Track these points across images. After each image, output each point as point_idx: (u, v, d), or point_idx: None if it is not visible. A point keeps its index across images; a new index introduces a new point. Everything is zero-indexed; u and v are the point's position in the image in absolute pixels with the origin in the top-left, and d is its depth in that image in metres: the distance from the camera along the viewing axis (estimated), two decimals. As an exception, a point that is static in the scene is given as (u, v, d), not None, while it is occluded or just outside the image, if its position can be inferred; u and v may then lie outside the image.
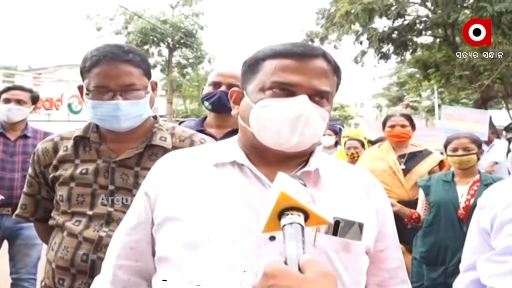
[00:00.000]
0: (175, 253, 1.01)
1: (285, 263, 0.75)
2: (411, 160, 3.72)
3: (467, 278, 1.47)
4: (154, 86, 1.68)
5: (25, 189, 1.79)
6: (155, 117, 1.71)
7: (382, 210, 1.15)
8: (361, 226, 1.03)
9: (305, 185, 0.89)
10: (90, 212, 1.54)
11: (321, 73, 1.04)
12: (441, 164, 3.71)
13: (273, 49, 1.07)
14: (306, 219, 0.81)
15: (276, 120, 1.02)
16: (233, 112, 1.15)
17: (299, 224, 0.79)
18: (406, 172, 3.66)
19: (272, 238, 0.95)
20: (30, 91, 3.57)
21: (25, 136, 3.46)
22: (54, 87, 11.22)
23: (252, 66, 1.10)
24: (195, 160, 1.12)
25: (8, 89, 3.49)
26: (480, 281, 1.39)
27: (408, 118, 3.89)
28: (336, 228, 1.01)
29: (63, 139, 1.69)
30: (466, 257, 1.51)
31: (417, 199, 3.41)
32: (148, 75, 1.62)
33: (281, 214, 0.81)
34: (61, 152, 1.65)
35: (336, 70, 1.09)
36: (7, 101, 3.38)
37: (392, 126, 3.79)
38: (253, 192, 1.02)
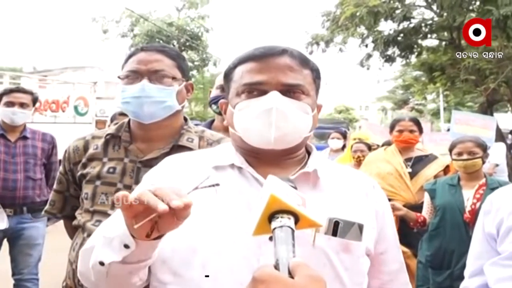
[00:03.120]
0: (175, 255, 1.02)
1: (276, 267, 0.75)
2: (417, 163, 3.70)
3: (473, 284, 1.47)
4: (189, 88, 1.71)
5: (55, 186, 1.82)
6: (185, 119, 1.74)
7: (381, 212, 1.16)
8: (361, 226, 1.04)
9: (295, 188, 0.89)
10: (111, 212, 1.53)
11: (285, 68, 1.09)
12: (446, 169, 3.70)
13: (239, 56, 1.15)
14: (296, 222, 0.81)
15: (252, 119, 1.07)
16: (225, 122, 1.19)
17: (290, 227, 0.79)
18: (412, 175, 3.64)
19: (272, 239, 0.97)
20: (31, 93, 3.61)
21: (24, 137, 3.49)
22: (60, 89, 11.24)
23: (227, 76, 1.18)
24: (195, 162, 1.15)
25: (10, 92, 3.48)
26: (486, 286, 1.39)
27: (416, 122, 3.86)
28: (336, 229, 1.02)
29: (95, 138, 1.72)
30: (471, 263, 1.50)
31: (423, 202, 3.40)
32: (182, 70, 1.66)
33: (271, 217, 0.81)
34: (91, 150, 1.67)
35: (304, 63, 1.13)
36: (11, 104, 3.39)
37: (400, 131, 3.76)
38: (252, 194, 1.04)
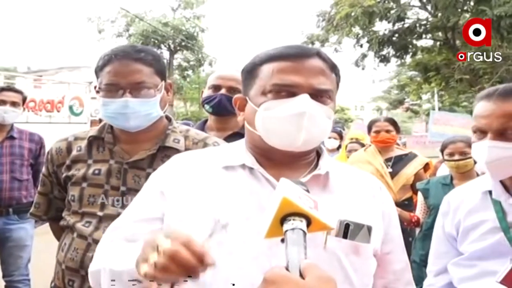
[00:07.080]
0: None
1: (287, 268, 0.75)
2: (397, 163, 3.76)
3: (439, 282, 1.52)
4: (168, 87, 1.68)
5: (39, 188, 1.80)
6: (169, 119, 1.71)
7: (388, 212, 1.17)
8: (369, 229, 1.04)
9: (307, 191, 0.89)
10: (100, 213, 1.54)
11: (318, 71, 1.06)
12: (426, 167, 3.78)
13: (268, 53, 1.10)
14: (308, 224, 0.81)
15: (280, 120, 1.04)
16: (239, 118, 1.17)
17: (301, 229, 0.79)
18: (393, 175, 3.69)
19: (283, 240, 0.97)
20: (21, 92, 3.56)
21: (11, 137, 3.44)
22: (56, 89, 11.17)
23: (250, 72, 1.13)
24: (205, 162, 1.14)
25: (1, 90, 3.42)
26: (452, 284, 1.44)
27: (392, 122, 3.92)
28: (346, 231, 1.02)
29: (77, 139, 1.69)
30: (434, 262, 1.55)
31: (403, 201, 3.50)
32: (160, 74, 1.61)
33: (283, 219, 0.81)
34: (74, 152, 1.65)
35: (333, 68, 1.11)
36: (2, 102, 3.34)
37: (377, 132, 3.81)
38: (263, 194, 1.04)
